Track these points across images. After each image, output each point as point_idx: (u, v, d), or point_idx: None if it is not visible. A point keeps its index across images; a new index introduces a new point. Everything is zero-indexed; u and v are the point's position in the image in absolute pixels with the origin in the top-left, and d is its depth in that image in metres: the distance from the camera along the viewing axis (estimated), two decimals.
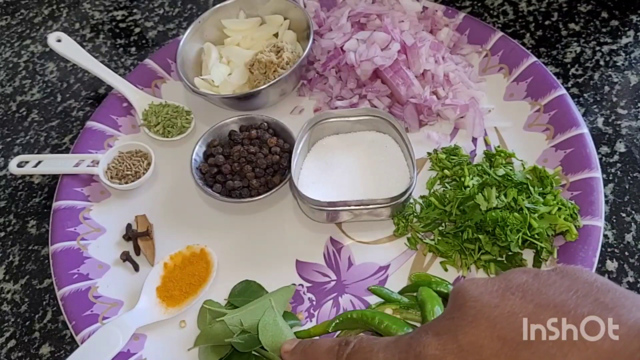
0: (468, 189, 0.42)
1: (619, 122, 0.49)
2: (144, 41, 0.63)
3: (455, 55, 0.53)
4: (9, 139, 0.56)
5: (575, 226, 0.39)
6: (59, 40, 0.54)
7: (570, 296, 0.18)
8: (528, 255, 0.40)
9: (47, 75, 0.61)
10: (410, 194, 0.42)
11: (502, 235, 0.38)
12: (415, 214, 0.43)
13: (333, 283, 0.42)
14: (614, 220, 0.43)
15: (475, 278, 0.21)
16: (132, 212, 0.48)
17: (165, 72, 0.56)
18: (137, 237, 0.45)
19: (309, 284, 0.42)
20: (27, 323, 0.44)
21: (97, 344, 0.39)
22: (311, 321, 0.40)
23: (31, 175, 0.53)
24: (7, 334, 0.44)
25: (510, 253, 0.39)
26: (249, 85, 0.53)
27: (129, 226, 0.46)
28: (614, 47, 0.54)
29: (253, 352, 0.37)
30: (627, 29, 0.55)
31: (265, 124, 0.48)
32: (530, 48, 0.54)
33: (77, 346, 0.39)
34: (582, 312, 0.17)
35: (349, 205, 0.41)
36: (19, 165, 0.48)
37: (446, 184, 0.45)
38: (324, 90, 0.53)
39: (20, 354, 0.43)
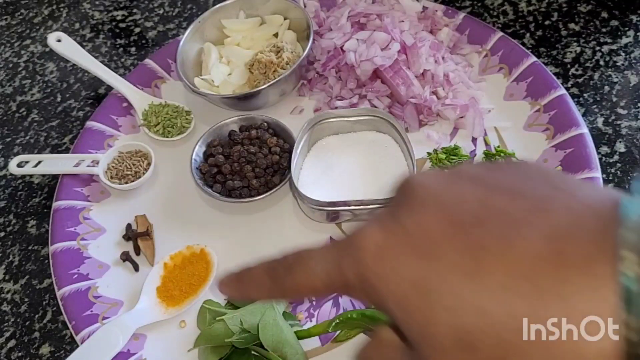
0: None
1: (619, 122, 0.49)
2: (144, 41, 0.63)
3: (455, 55, 0.53)
4: (9, 139, 0.56)
5: None
6: (59, 40, 0.54)
7: (524, 180, 0.17)
8: None
9: (47, 75, 0.61)
10: None
11: None
12: None
13: None
14: None
15: (423, 172, 0.19)
16: (132, 212, 0.48)
17: (165, 72, 0.56)
18: (137, 237, 0.45)
19: None
20: (27, 323, 0.44)
21: (97, 344, 0.39)
22: (311, 321, 0.40)
23: (31, 175, 0.53)
24: (7, 334, 0.44)
25: None
26: (248, 85, 0.53)
27: (128, 226, 0.46)
28: (614, 47, 0.54)
29: (253, 352, 0.37)
30: (627, 29, 0.55)
31: (265, 124, 0.48)
32: (530, 48, 0.54)
33: (77, 346, 0.39)
34: (534, 193, 0.16)
35: (349, 205, 0.41)
36: (19, 165, 0.48)
37: None
38: (324, 90, 0.53)
39: (20, 354, 0.43)
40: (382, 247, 0.17)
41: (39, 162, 0.49)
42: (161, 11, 0.65)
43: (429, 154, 0.48)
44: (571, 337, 0.14)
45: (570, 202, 0.15)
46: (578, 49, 0.54)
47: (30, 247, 0.48)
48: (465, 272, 0.15)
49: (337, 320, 0.37)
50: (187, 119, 0.52)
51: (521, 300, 0.14)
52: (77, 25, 0.66)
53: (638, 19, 0.56)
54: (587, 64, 0.53)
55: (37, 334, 0.43)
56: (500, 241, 0.15)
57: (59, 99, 0.59)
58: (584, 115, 0.49)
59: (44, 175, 0.53)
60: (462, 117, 0.49)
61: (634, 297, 0.13)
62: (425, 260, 0.16)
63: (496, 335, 0.15)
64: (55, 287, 0.43)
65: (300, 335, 0.38)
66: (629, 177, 0.46)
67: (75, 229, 0.46)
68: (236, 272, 0.22)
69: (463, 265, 0.15)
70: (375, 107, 0.50)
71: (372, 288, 0.17)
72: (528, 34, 0.56)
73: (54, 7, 0.68)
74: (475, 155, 0.47)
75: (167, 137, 0.51)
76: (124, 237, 0.46)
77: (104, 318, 0.41)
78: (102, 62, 0.55)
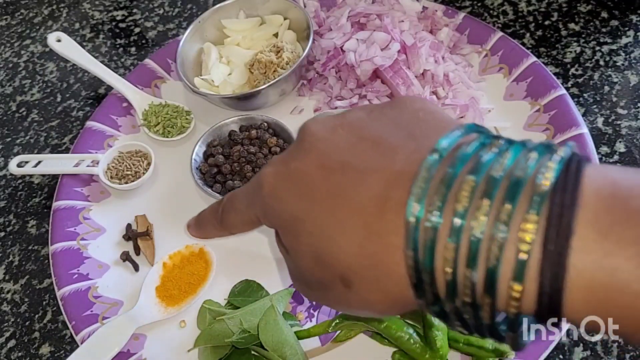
0: None
1: (618, 122, 0.49)
2: (143, 41, 0.63)
3: (455, 55, 0.53)
4: (9, 139, 0.56)
5: None
6: (58, 40, 0.54)
7: (387, 128, 0.20)
8: None
9: (47, 75, 0.61)
10: None
11: None
12: None
13: None
14: None
15: (320, 116, 0.23)
16: (132, 212, 0.48)
17: (165, 72, 0.56)
18: (137, 237, 0.45)
19: None
20: (27, 323, 0.44)
21: (97, 343, 0.39)
22: (311, 321, 0.40)
23: (31, 175, 0.53)
24: (7, 334, 0.44)
25: None
26: (248, 85, 0.52)
27: (128, 226, 0.46)
28: (614, 47, 0.54)
29: (253, 352, 0.37)
30: (627, 29, 0.55)
31: (265, 124, 0.48)
32: (530, 48, 0.54)
33: (77, 346, 0.39)
34: (392, 142, 0.19)
35: None
36: (19, 165, 0.48)
37: None
38: (324, 90, 0.53)
39: (20, 354, 0.43)
40: (273, 187, 0.21)
41: (39, 162, 0.49)
42: (161, 11, 0.65)
43: None
44: (386, 267, 0.18)
45: (411, 154, 0.18)
46: (578, 49, 0.54)
47: (30, 247, 0.48)
48: (324, 208, 0.19)
49: (337, 320, 0.37)
50: (187, 119, 0.52)
51: (356, 234, 0.18)
52: (77, 25, 0.66)
53: (638, 19, 0.56)
54: (587, 64, 0.53)
55: (37, 334, 0.43)
56: (352, 185, 0.18)
57: (59, 99, 0.59)
58: (583, 115, 0.49)
59: (43, 175, 0.53)
60: (462, 117, 0.49)
61: (410, 233, 0.17)
62: (300, 197, 0.20)
63: (338, 259, 0.19)
64: (55, 287, 0.43)
65: (300, 336, 0.38)
66: None
67: (75, 229, 0.46)
68: (196, 216, 0.27)
69: (324, 203, 0.19)
70: None
71: (268, 217, 0.22)
72: (528, 34, 0.56)
73: (54, 7, 0.68)
74: None
75: (167, 137, 0.51)
76: (124, 237, 0.46)
77: (104, 318, 0.41)
78: (102, 62, 0.55)
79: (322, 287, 0.20)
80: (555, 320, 0.16)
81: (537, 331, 0.18)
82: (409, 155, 0.18)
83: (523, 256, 0.15)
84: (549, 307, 0.15)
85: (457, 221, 0.16)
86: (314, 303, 0.41)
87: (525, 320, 0.17)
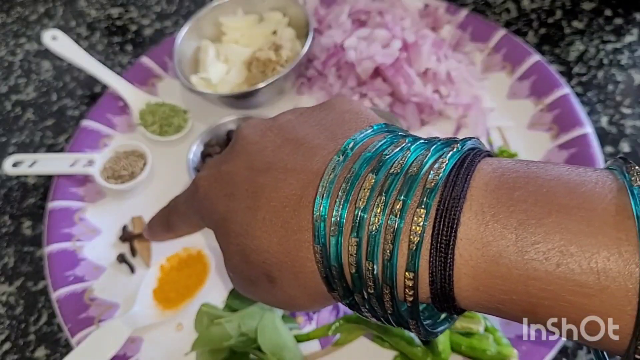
0: None
1: (623, 122, 0.48)
2: (140, 39, 0.62)
3: (458, 53, 0.52)
4: (4, 139, 0.56)
5: None
6: (54, 38, 0.53)
7: (313, 130, 0.21)
8: None
9: (43, 73, 0.61)
10: None
11: None
12: None
13: None
14: None
15: (253, 119, 0.24)
16: (128, 212, 0.47)
17: (162, 70, 0.56)
18: (133, 238, 0.45)
19: None
20: (23, 326, 0.43)
21: (93, 346, 0.38)
22: (310, 324, 0.39)
23: (26, 176, 0.52)
24: (2, 337, 0.43)
25: None
26: (247, 83, 0.52)
27: (124, 228, 0.46)
28: (618, 45, 0.53)
29: (251, 356, 0.37)
30: (631, 27, 0.54)
31: None
32: (533, 46, 0.53)
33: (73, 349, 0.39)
34: (312, 144, 0.20)
35: None
36: (14, 165, 0.48)
37: None
38: (324, 88, 0.52)
39: (15, 356, 0.42)
40: (206, 188, 0.22)
41: (34, 162, 0.48)
42: (158, 9, 0.65)
43: None
44: (301, 263, 0.18)
45: (328, 155, 0.19)
46: (582, 47, 0.53)
47: (25, 249, 0.48)
48: (248, 207, 0.20)
49: (337, 324, 0.37)
50: (184, 118, 0.51)
51: (275, 232, 0.19)
52: (73, 23, 0.65)
53: None
54: (591, 63, 0.52)
55: (32, 337, 0.43)
56: (273, 185, 0.19)
57: (54, 98, 0.58)
58: (587, 114, 0.48)
59: (39, 176, 0.52)
60: (464, 116, 0.48)
61: (317, 229, 0.18)
62: (228, 198, 0.20)
63: (262, 257, 0.19)
64: (50, 289, 0.42)
65: (299, 339, 0.38)
66: None
67: (70, 230, 0.46)
68: (148, 222, 0.28)
69: (248, 202, 0.20)
70: (376, 105, 0.49)
71: (204, 219, 0.23)
72: (531, 32, 0.55)
73: (50, 5, 0.67)
74: None
75: (164, 136, 0.50)
76: (120, 238, 0.45)
77: (100, 321, 0.41)
78: (98, 60, 0.54)
79: (251, 284, 0.21)
80: (451, 308, 0.17)
81: (448, 321, 0.19)
82: (326, 156, 0.19)
83: (414, 247, 0.16)
84: (442, 294, 0.16)
85: (358, 216, 0.17)
86: None
87: (435, 311, 0.18)
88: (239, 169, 0.21)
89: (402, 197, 0.16)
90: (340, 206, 0.17)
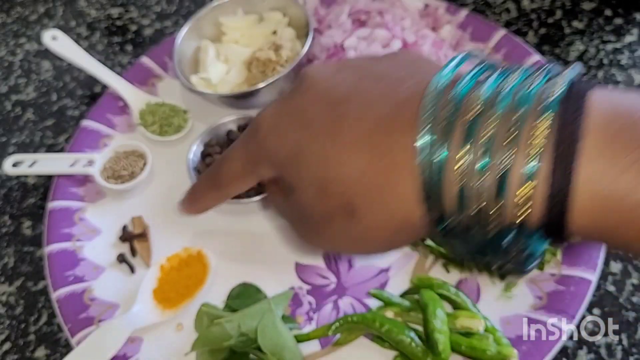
0: None
1: None
2: (140, 39, 0.62)
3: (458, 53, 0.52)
4: (4, 139, 0.56)
5: None
6: (54, 38, 0.53)
7: (389, 68, 0.21)
8: None
9: (43, 73, 0.61)
10: None
11: None
12: None
13: (333, 286, 0.41)
14: None
15: (315, 64, 0.24)
16: (128, 212, 0.47)
17: (162, 70, 0.56)
18: (133, 238, 0.45)
19: (308, 287, 0.41)
20: (23, 326, 0.43)
21: (93, 346, 0.38)
22: (310, 324, 0.39)
23: (26, 176, 0.52)
24: (2, 337, 0.43)
25: None
26: (247, 83, 0.52)
27: (124, 227, 0.46)
28: (618, 45, 0.53)
29: (251, 356, 0.37)
30: (631, 27, 0.54)
31: None
32: (533, 46, 0.53)
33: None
34: (394, 77, 0.20)
35: None
36: (14, 165, 0.48)
37: None
38: None
39: (15, 357, 0.42)
40: (272, 124, 0.21)
41: (34, 162, 0.48)
42: (158, 9, 0.65)
43: None
44: (393, 186, 0.18)
45: (414, 85, 0.19)
46: (582, 47, 0.53)
47: (25, 249, 0.48)
48: (328, 134, 0.19)
49: (337, 324, 0.37)
50: (184, 118, 0.51)
51: (360, 158, 0.18)
52: (73, 23, 0.65)
53: None
54: (591, 63, 0.52)
55: (32, 337, 0.43)
56: (358, 111, 0.19)
57: (54, 98, 0.58)
58: None
59: (39, 176, 0.52)
60: None
61: (422, 155, 0.17)
62: (302, 128, 0.20)
63: (343, 185, 0.19)
64: (50, 289, 0.42)
65: (300, 339, 0.38)
66: None
67: (70, 230, 0.46)
68: (187, 192, 0.27)
69: (327, 129, 0.19)
70: None
71: (267, 158, 0.22)
72: (531, 32, 0.55)
73: (50, 5, 0.67)
74: None
75: (164, 136, 0.50)
76: (120, 238, 0.45)
77: (100, 321, 0.41)
78: (98, 60, 0.54)
79: (324, 221, 0.20)
80: (559, 234, 0.17)
81: (541, 255, 0.19)
82: (412, 86, 0.19)
83: (533, 160, 0.16)
84: (556, 213, 0.16)
85: (468, 132, 0.16)
86: (314, 305, 0.40)
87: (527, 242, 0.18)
88: (311, 102, 0.20)
89: (518, 109, 0.16)
90: (445, 120, 0.17)
